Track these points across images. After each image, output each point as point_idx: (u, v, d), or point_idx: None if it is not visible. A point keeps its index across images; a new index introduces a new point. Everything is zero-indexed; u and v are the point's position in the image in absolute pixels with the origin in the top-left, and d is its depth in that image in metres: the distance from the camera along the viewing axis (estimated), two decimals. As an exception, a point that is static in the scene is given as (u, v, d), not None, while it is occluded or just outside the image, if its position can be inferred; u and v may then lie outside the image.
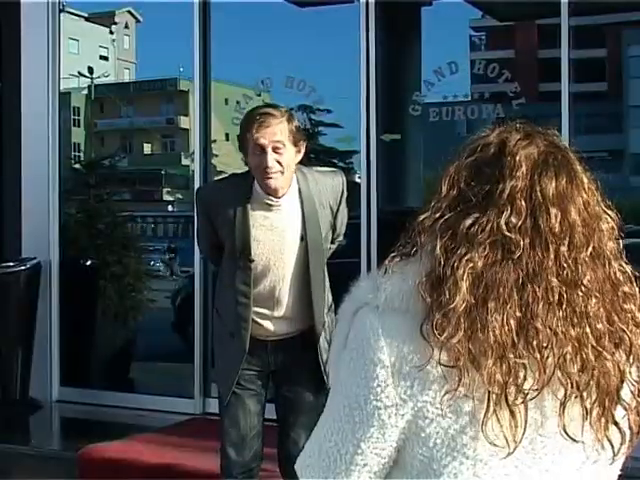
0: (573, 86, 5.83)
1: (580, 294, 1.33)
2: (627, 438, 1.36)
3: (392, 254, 1.42)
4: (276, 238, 3.51)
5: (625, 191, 6.77)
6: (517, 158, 1.37)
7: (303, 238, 3.53)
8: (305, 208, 3.52)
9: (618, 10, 6.50)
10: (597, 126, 7.04)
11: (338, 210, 3.69)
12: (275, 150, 3.37)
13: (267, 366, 3.67)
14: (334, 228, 3.72)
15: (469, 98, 6.60)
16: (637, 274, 1.43)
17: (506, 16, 6.91)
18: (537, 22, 6.88)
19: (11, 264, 6.62)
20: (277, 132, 3.37)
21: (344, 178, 3.73)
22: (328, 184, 3.64)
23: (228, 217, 3.49)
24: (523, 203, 1.34)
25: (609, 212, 1.42)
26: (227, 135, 7.21)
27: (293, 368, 3.65)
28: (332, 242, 3.77)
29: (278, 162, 3.38)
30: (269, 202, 3.48)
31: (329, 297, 3.70)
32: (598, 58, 7.09)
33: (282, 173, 3.40)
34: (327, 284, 3.69)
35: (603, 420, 1.34)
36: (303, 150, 3.50)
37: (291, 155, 3.42)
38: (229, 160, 6.91)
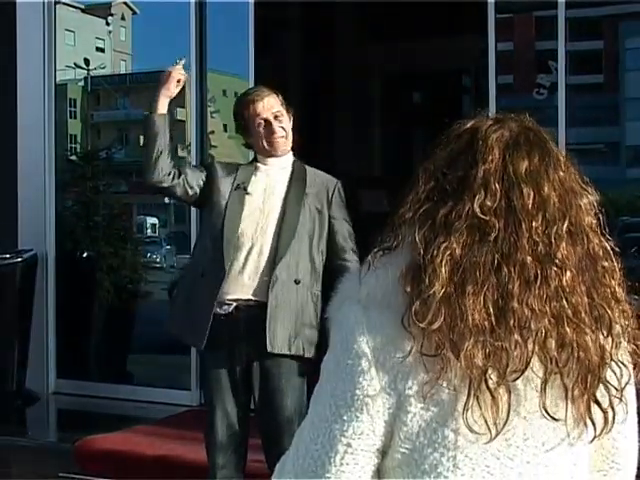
0: (570, 78, 5.84)
1: (555, 269, 1.33)
2: (610, 418, 1.36)
3: (374, 249, 1.42)
4: (268, 182, 3.75)
5: (621, 183, 6.78)
6: (489, 142, 1.39)
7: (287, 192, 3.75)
8: (294, 173, 3.80)
9: (615, 2, 6.50)
10: (594, 118, 7.04)
11: (331, 205, 3.77)
12: (276, 118, 3.73)
13: (240, 360, 3.61)
14: (333, 238, 3.74)
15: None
16: (617, 249, 1.42)
17: (504, 9, 6.90)
18: (534, 14, 6.87)
19: (7, 256, 6.61)
20: (273, 104, 3.75)
21: (340, 185, 3.85)
22: (324, 175, 3.87)
23: (231, 169, 3.79)
24: (497, 185, 1.36)
25: (587, 189, 1.42)
26: (225, 126, 7.20)
27: (272, 363, 3.61)
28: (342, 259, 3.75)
29: (282, 128, 3.74)
30: (267, 160, 3.79)
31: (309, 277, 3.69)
32: (595, 50, 7.09)
33: (285, 137, 3.76)
34: (302, 261, 3.68)
35: (585, 398, 1.34)
36: (291, 112, 3.84)
37: (287, 119, 3.78)
38: (225, 151, 6.91)
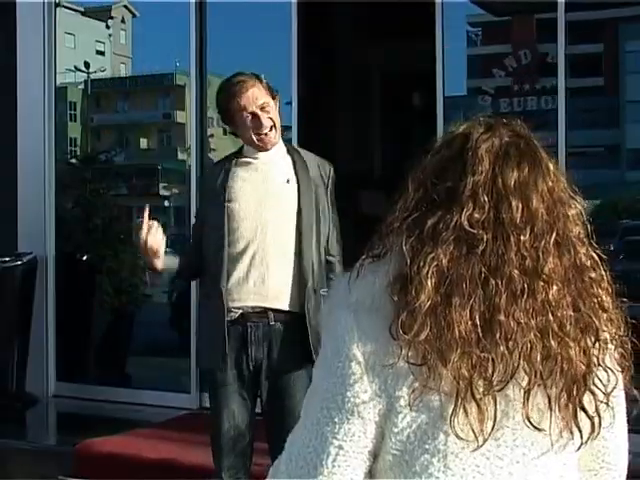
0: (570, 81, 5.84)
1: (541, 283, 1.34)
2: (597, 424, 1.37)
3: (363, 256, 1.43)
4: (261, 177, 3.64)
5: (621, 186, 6.78)
6: (479, 152, 1.38)
7: (289, 181, 3.64)
8: (293, 155, 3.70)
9: (614, 5, 6.50)
10: (594, 121, 7.04)
11: (326, 194, 3.71)
12: (263, 109, 3.59)
13: (247, 364, 3.60)
14: (319, 231, 3.70)
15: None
16: (604, 257, 1.43)
17: (503, 11, 6.91)
18: (535, 17, 6.88)
19: (7, 259, 6.60)
20: (257, 95, 3.60)
21: (333, 169, 3.79)
22: (318, 161, 3.78)
23: (217, 174, 3.69)
24: (485, 197, 1.36)
25: (576, 198, 1.43)
26: (224, 130, 7.19)
27: (280, 367, 3.59)
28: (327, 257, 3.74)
29: (270, 119, 3.61)
30: (257, 154, 3.67)
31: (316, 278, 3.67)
32: (594, 53, 7.09)
33: (275, 127, 3.63)
34: (315, 262, 3.65)
35: (571, 407, 1.35)
36: (278, 97, 3.72)
37: (274, 108, 3.66)
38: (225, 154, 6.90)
